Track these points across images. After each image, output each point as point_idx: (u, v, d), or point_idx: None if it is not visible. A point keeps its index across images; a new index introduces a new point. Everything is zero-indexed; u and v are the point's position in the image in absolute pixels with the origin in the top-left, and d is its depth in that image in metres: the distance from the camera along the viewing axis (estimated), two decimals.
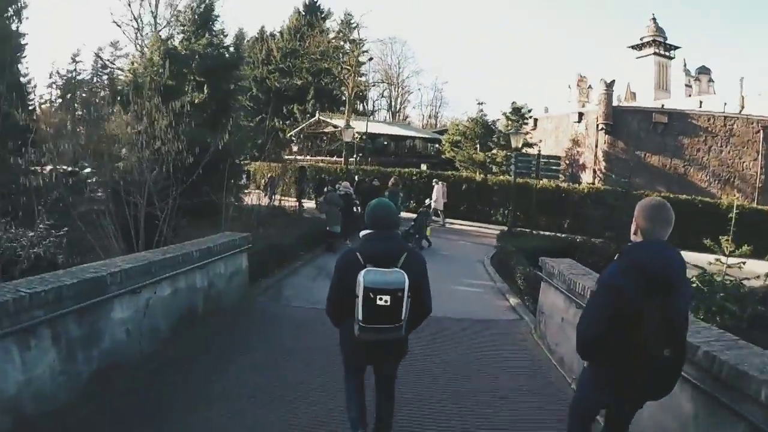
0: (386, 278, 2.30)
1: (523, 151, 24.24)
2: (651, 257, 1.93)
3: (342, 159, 26.09)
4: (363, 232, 2.55)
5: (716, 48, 63.37)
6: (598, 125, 23.45)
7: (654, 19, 35.45)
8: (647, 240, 2.02)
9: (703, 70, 36.46)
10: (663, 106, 25.10)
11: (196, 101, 13.13)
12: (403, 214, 12.11)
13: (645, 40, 35.24)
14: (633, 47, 36.25)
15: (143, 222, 7.38)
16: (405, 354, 2.66)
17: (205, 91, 13.21)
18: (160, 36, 13.67)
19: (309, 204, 16.42)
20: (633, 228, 2.09)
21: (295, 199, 16.65)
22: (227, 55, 14.30)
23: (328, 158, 28.26)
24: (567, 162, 24.09)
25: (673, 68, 35.81)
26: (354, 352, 2.58)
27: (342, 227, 10.44)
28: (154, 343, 4.03)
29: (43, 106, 13.03)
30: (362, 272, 2.31)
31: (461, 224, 16.32)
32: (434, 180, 16.43)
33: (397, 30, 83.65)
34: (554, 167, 13.06)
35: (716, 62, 64.56)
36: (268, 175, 18.26)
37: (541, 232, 12.55)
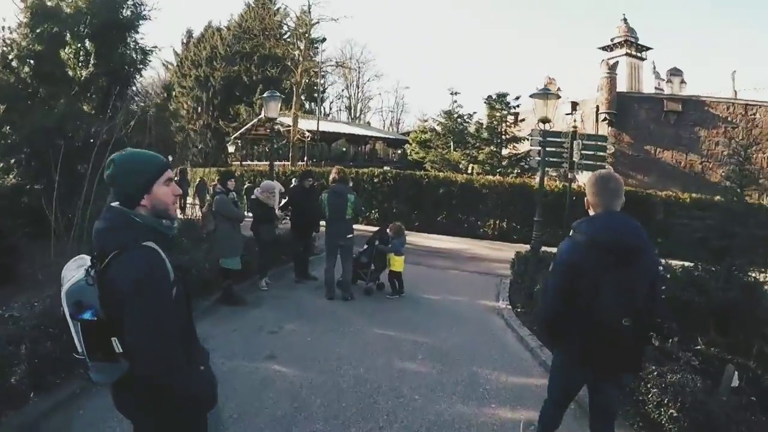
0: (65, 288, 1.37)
1: (510, 148, 20.32)
2: (603, 229, 1.86)
3: (288, 163, 21.52)
4: None
5: (684, 50, 62.63)
6: (598, 115, 19.88)
7: (625, 19, 33.47)
8: (599, 213, 1.95)
9: (675, 72, 34.66)
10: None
11: (82, 77, 8.60)
12: (360, 227, 7.50)
13: (616, 40, 33.09)
14: (603, 48, 34.03)
15: None
16: (152, 409, 1.45)
17: (92, 62, 8.63)
18: None
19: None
20: (587, 205, 2.02)
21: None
22: (123, 12, 9.44)
23: (273, 163, 23.45)
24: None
25: (644, 70, 33.86)
26: None
27: (257, 258, 6.05)
28: None
29: None
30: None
31: (443, 241, 11.94)
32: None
33: (357, 33, 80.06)
34: (601, 153, 7.57)
35: (684, 64, 63.84)
36: None
37: None
